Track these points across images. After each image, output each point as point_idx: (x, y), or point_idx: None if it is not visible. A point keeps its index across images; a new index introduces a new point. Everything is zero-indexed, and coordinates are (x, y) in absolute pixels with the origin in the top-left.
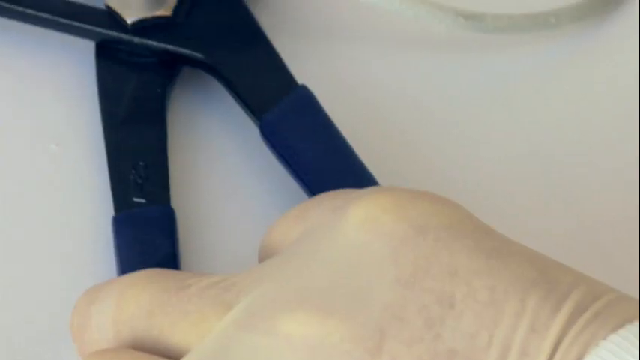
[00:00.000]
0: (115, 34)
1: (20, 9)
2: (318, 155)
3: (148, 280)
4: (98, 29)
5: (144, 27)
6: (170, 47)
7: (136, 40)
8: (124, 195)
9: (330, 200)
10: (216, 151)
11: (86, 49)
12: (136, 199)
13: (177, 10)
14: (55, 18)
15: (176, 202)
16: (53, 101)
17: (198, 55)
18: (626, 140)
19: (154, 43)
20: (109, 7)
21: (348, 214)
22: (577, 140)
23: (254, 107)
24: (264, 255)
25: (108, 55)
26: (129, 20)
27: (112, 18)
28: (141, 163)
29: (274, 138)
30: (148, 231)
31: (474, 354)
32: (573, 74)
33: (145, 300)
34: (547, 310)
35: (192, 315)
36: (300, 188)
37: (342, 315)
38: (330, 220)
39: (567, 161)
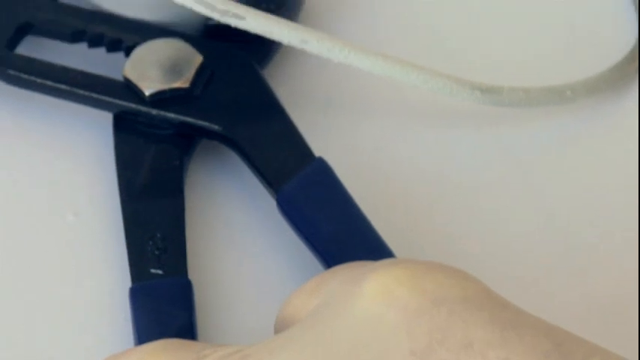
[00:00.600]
0: (132, 105)
1: (38, 80)
2: (334, 227)
3: (165, 351)
4: (116, 101)
5: (162, 99)
6: (188, 119)
7: (154, 111)
8: (141, 266)
9: (346, 272)
10: (233, 223)
11: (104, 120)
12: (153, 270)
13: (194, 82)
14: (73, 89)
15: (193, 273)
16: (71, 172)
17: (216, 127)
18: None
19: (172, 115)
20: (126, 79)
21: (364, 286)
22: (592, 212)
23: (271, 180)
24: (281, 327)
25: (126, 127)
26: (147, 92)
27: (129, 90)
28: (158, 235)
29: (291, 211)
30: (165, 302)
31: None
32: (589, 147)
33: None
34: None
35: None
36: (317, 260)
37: None
38: (345, 291)
39: (582, 232)
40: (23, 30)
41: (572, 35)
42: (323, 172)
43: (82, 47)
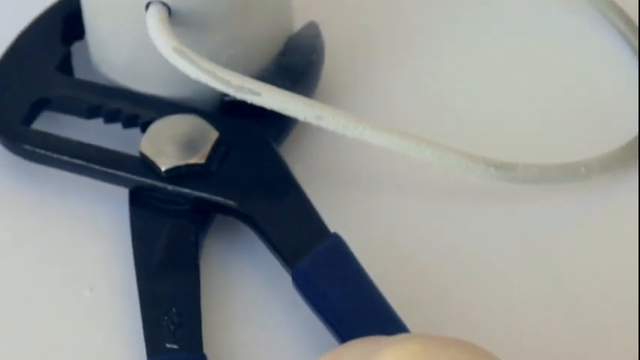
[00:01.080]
0: (148, 181)
1: (55, 156)
2: (349, 303)
3: None
4: (132, 176)
5: (178, 175)
6: (203, 195)
7: (170, 187)
8: (157, 341)
9: (360, 347)
10: (249, 298)
11: (120, 195)
12: (168, 345)
13: (210, 158)
14: (89, 165)
15: (208, 348)
16: (87, 247)
17: (232, 203)
18: None
19: (188, 191)
20: (142, 155)
21: None
22: (607, 288)
23: (287, 256)
24: None
25: (141, 202)
26: (163, 168)
27: (145, 165)
28: (174, 310)
29: (306, 287)
30: None
31: None
32: (604, 224)
33: None
34: None
35: None
36: (332, 335)
37: None
38: None
39: (596, 308)
40: (39, 105)
41: (586, 112)
42: (338, 248)
43: (98, 123)
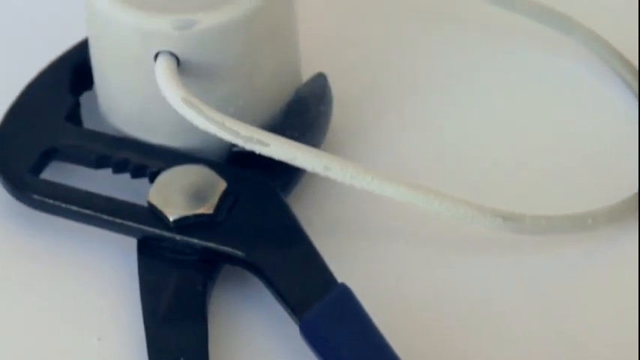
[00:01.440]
0: (157, 231)
1: (63, 205)
2: (357, 353)
3: None
4: (140, 226)
5: (186, 225)
6: (211, 245)
7: (178, 237)
8: None
9: None
10: (257, 348)
11: (128, 245)
12: None
13: (218, 208)
14: (98, 215)
15: None
16: (95, 296)
17: (239, 253)
18: None
19: (196, 241)
20: (151, 205)
21: None
22: (615, 340)
23: (294, 306)
24: None
25: (150, 252)
26: (171, 218)
27: (154, 215)
28: (181, 359)
29: (314, 337)
30: None
31: None
32: (610, 275)
33: None
34: None
35: None
36: None
37: None
38: None
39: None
40: (48, 155)
41: (592, 162)
42: (345, 299)
43: (106, 173)
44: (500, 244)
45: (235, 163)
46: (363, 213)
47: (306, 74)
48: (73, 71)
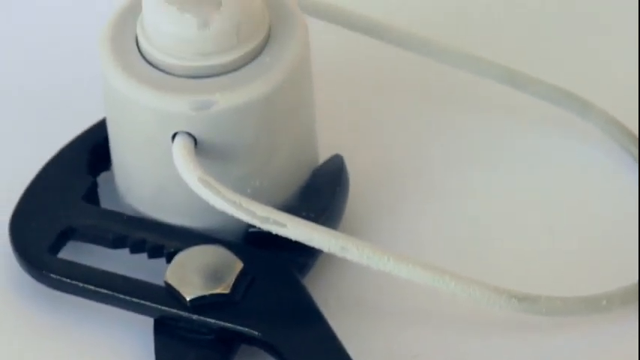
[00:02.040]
0: (173, 311)
1: (80, 285)
2: None
3: None
4: (157, 306)
5: (202, 304)
6: (228, 325)
7: (195, 317)
8: None
9: None
10: None
11: (145, 324)
12: None
13: (235, 288)
14: (115, 294)
15: None
16: None
17: (256, 333)
18: None
19: (212, 321)
20: (168, 284)
21: None
22: None
23: None
24: None
25: (166, 331)
26: (188, 297)
27: (171, 295)
28: None
29: None
30: None
31: None
32: (626, 357)
33: None
34: None
35: None
36: None
37: None
38: None
39: None
40: (66, 235)
41: (608, 245)
42: None
43: (124, 252)
44: (515, 325)
45: (252, 244)
46: (380, 293)
47: (323, 154)
48: (91, 151)
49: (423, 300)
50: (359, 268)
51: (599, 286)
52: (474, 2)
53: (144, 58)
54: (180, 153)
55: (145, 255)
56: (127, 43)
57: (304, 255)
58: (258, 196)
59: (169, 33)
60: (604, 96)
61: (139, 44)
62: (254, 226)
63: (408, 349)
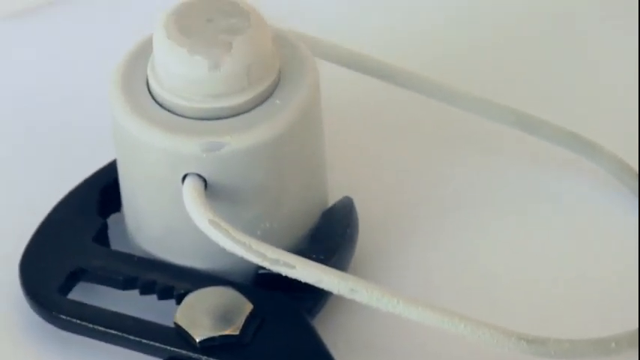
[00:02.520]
0: (183, 352)
1: (90, 326)
2: None
3: None
4: (167, 347)
5: (212, 346)
6: None
7: (204, 358)
8: None
9: None
10: None
11: None
12: None
13: (245, 329)
14: (125, 335)
15: None
16: None
17: None
18: None
19: None
20: (177, 326)
21: None
22: None
23: None
24: None
25: None
26: (197, 339)
27: (180, 336)
28: None
29: None
30: None
31: None
32: None
33: None
34: None
35: None
36: None
37: None
38: None
39: None
40: (76, 276)
41: (616, 287)
42: None
43: (134, 294)
44: None
45: (261, 285)
46: (389, 335)
47: (333, 195)
48: (102, 192)
49: (432, 342)
50: (368, 310)
51: (608, 328)
52: (483, 46)
53: (154, 99)
54: (191, 194)
55: (154, 296)
56: (138, 85)
57: (314, 297)
58: (268, 237)
59: (180, 74)
60: (611, 138)
61: (150, 86)
62: (264, 268)
63: None
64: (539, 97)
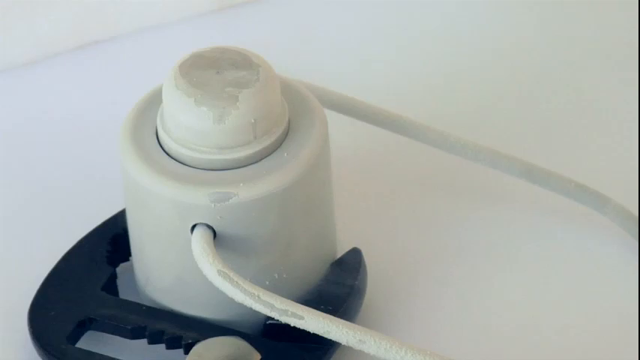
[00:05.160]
0: None
1: None
2: None
3: None
4: None
5: None
6: None
7: None
8: None
9: None
10: None
11: None
12: None
13: None
14: None
15: None
16: None
17: None
18: None
19: None
20: None
21: None
22: None
23: None
24: None
25: None
26: None
27: None
28: None
29: None
30: None
31: None
32: None
33: None
34: None
35: None
36: None
37: None
38: None
39: None
40: (84, 325)
41: (626, 340)
42: None
43: (142, 343)
44: None
45: (270, 336)
46: None
47: (342, 245)
48: (111, 242)
49: None
50: None
51: None
52: (492, 98)
53: (163, 150)
54: (200, 245)
55: (163, 346)
56: (147, 135)
57: (322, 348)
58: (276, 288)
59: (187, 125)
60: (618, 190)
61: (159, 136)
62: (272, 318)
63: None
64: (548, 148)
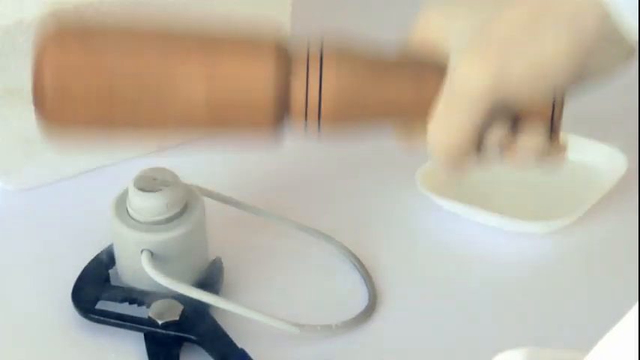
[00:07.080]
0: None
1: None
2: None
3: None
4: (142, 326)
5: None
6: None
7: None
8: None
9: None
10: None
11: None
12: None
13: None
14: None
15: None
16: None
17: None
18: None
19: None
20: (149, 317)
21: None
22: None
23: None
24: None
25: None
26: (160, 322)
27: (151, 321)
28: None
29: None
30: None
31: None
32: None
33: None
34: None
35: None
36: None
37: None
38: None
39: None
40: (98, 297)
41: None
42: None
43: (127, 305)
44: None
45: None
46: None
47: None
48: (106, 258)
49: None
50: None
51: None
52: None
53: (129, 215)
54: (146, 259)
55: (135, 305)
56: (123, 211)
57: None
58: (181, 278)
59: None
60: None
61: (128, 211)
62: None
63: None
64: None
